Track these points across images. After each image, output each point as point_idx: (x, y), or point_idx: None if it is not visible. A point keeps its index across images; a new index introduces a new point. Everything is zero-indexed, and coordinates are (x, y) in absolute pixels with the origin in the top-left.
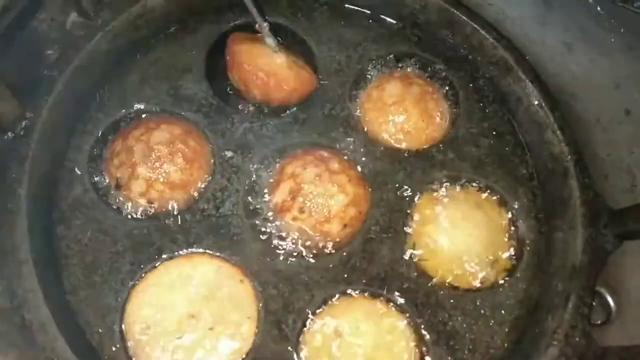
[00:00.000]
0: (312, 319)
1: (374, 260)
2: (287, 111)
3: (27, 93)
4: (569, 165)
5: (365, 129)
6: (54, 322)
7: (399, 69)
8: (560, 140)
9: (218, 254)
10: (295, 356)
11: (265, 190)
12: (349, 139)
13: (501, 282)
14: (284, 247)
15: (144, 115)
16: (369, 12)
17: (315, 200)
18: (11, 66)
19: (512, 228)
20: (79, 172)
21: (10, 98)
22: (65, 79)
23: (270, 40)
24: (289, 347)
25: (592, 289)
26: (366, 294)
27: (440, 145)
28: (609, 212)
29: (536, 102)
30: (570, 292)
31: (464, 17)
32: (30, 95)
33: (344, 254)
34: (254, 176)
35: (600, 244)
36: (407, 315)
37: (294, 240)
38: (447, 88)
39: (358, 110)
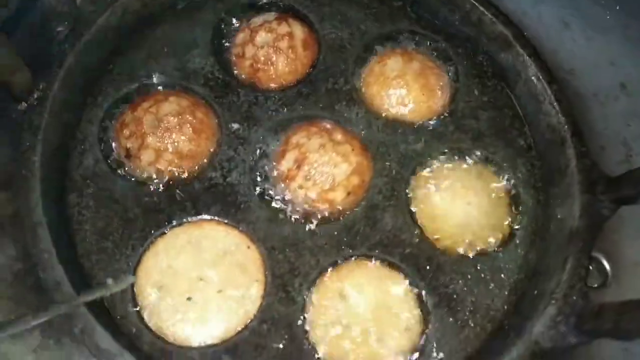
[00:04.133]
0: (317, 282)
1: (377, 227)
2: (292, 86)
3: (40, 66)
4: (566, 135)
5: (368, 103)
6: (68, 281)
7: (400, 45)
8: (558, 111)
9: (226, 221)
10: (301, 317)
11: (271, 160)
12: (351, 112)
13: (500, 248)
14: (290, 214)
15: (152, 89)
16: None
17: (319, 169)
18: (24, 41)
19: (511, 197)
20: (90, 143)
21: (24, 68)
22: (76, 53)
23: None
24: (295, 309)
25: (589, 252)
26: (369, 259)
27: (441, 118)
28: (606, 179)
29: (534, 76)
30: (568, 255)
31: None
32: (43, 69)
33: (348, 221)
34: (260, 147)
35: (597, 210)
36: (409, 278)
37: (299, 208)
38: (447, 63)
39: (360, 85)
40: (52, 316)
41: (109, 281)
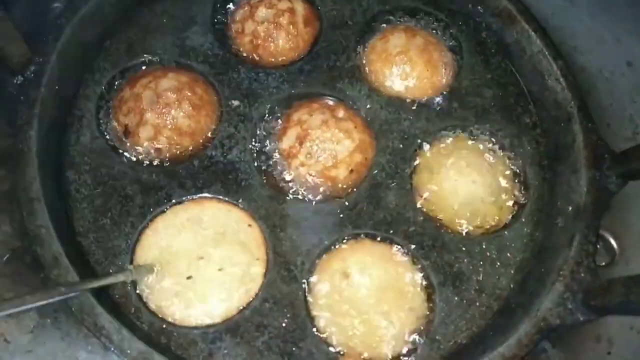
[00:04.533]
0: (320, 261)
1: (381, 205)
2: (293, 63)
3: (37, 40)
4: (572, 110)
5: (370, 80)
6: (66, 256)
7: (402, 21)
8: (564, 87)
9: (226, 198)
10: (303, 296)
11: (272, 137)
12: (354, 89)
13: (506, 225)
14: (292, 192)
15: (151, 65)
16: None
17: (321, 146)
18: (21, 14)
19: (517, 175)
20: (87, 119)
21: (20, 41)
22: (73, 27)
23: None
24: (298, 287)
25: (596, 228)
26: (373, 237)
27: (445, 95)
28: (612, 154)
29: (539, 52)
30: (575, 231)
31: None
32: (40, 43)
33: (351, 199)
34: (261, 124)
35: (604, 185)
36: (414, 257)
37: (301, 185)
38: (450, 40)
39: (363, 62)
40: (56, 300)
41: (129, 267)
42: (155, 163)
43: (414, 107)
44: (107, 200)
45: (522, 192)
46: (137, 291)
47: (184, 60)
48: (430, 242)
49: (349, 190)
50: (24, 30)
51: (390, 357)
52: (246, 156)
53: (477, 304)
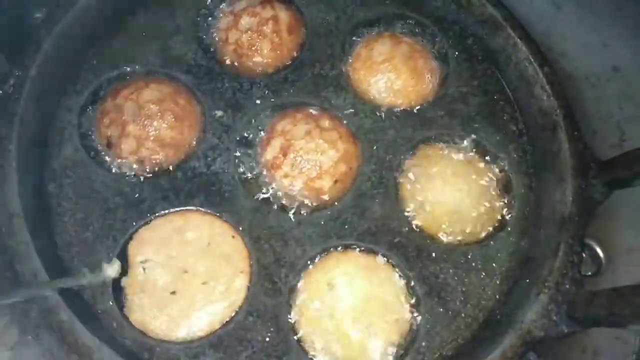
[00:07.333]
0: (304, 273)
1: (365, 216)
2: (277, 71)
3: (16, 52)
4: (558, 118)
5: (355, 88)
6: (46, 273)
7: (387, 29)
8: (549, 94)
9: (210, 211)
10: (287, 309)
11: (256, 148)
12: (339, 98)
13: (491, 235)
14: (275, 203)
15: (133, 76)
16: None
17: (306, 157)
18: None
19: (503, 183)
20: (69, 132)
21: None
22: (53, 38)
23: None
24: (282, 300)
25: (581, 238)
26: (358, 248)
27: (430, 103)
28: (598, 163)
29: (525, 59)
30: (560, 241)
31: None
32: (19, 55)
33: (336, 209)
34: (245, 135)
35: (590, 194)
36: (399, 268)
37: (285, 197)
38: (436, 47)
39: (348, 70)
40: (22, 299)
41: (85, 270)
42: (138, 175)
43: (399, 116)
44: (89, 213)
45: (508, 200)
46: (120, 305)
47: (167, 70)
48: (415, 253)
49: (334, 201)
50: (2, 42)
51: None
52: (230, 167)
53: (462, 315)
